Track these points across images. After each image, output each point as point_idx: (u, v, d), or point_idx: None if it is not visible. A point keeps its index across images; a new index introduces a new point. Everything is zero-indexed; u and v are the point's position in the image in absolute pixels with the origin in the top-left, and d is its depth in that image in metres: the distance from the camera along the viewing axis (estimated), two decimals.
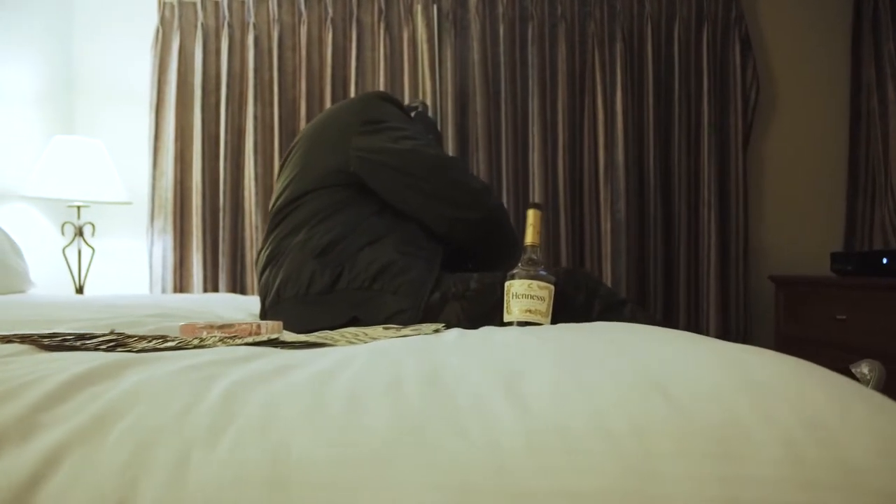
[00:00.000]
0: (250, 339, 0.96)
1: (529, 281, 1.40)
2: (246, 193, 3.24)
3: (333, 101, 3.23)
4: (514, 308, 1.41)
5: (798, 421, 0.56)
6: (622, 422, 0.55)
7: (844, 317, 2.72)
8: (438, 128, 3.24)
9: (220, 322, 1.17)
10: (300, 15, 3.27)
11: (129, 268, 3.34)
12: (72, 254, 3.08)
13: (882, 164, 3.08)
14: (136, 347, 0.91)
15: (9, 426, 0.58)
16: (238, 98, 3.29)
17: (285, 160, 1.80)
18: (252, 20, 3.26)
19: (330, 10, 3.26)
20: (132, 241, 3.34)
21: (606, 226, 3.21)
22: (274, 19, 3.26)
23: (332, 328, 1.47)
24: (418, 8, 3.24)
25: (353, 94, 3.23)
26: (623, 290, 3.16)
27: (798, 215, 3.33)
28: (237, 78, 3.28)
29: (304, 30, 3.26)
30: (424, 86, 3.24)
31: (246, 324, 1.16)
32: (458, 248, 1.75)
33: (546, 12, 3.25)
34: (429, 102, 3.22)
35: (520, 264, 1.43)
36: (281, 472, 0.54)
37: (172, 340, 0.96)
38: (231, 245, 3.23)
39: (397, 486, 0.51)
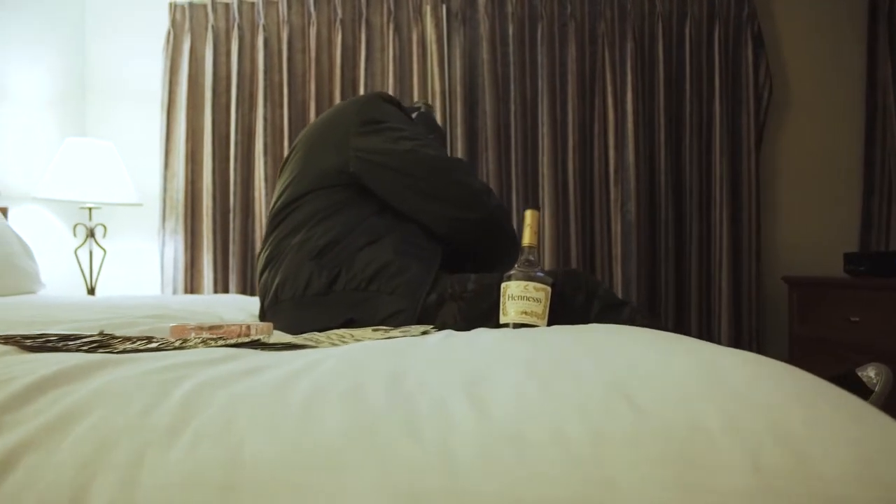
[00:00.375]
0: (233, 341, 0.95)
1: (525, 282, 1.39)
2: (256, 194, 3.25)
3: None
4: (510, 309, 1.39)
5: (765, 428, 0.54)
6: (581, 428, 0.53)
7: (858, 318, 2.67)
8: (446, 128, 3.23)
9: (210, 323, 1.17)
10: (310, 16, 3.28)
11: (140, 269, 3.36)
12: (84, 255, 3.11)
13: None
14: (118, 348, 0.91)
15: None
16: (248, 99, 3.30)
17: (286, 161, 1.80)
18: (262, 22, 3.27)
19: (339, 12, 3.26)
20: (143, 242, 3.36)
21: (617, 227, 3.19)
22: (283, 21, 3.27)
23: (329, 329, 1.47)
24: (427, 8, 3.24)
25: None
26: (634, 292, 3.14)
27: (812, 215, 3.29)
28: (247, 79, 3.30)
29: (313, 31, 3.27)
30: (433, 86, 3.23)
31: (235, 325, 1.16)
32: (459, 249, 1.74)
33: (556, 12, 3.23)
34: (438, 103, 3.22)
35: (516, 265, 1.42)
36: (233, 474, 0.53)
37: (156, 342, 0.96)
38: (241, 246, 3.24)
39: (348, 490, 0.51)
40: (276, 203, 1.73)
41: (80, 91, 3.38)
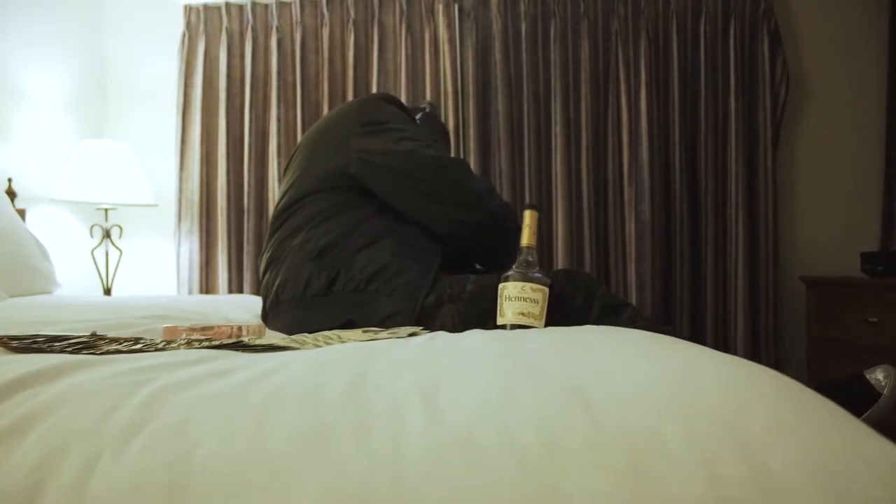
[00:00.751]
0: (216, 342, 0.95)
1: (523, 283, 1.38)
2: (270, 194, 3.27)
3: None
4: (508, 310, 1.38)
5: (726, 436, 0.53)
6: (533, 434, 0.52)
7: (876, 319, 2.62)
8: (458, 127, 3.22)
9: (202, 324, 1.17)
10: (322, 17, 3.29)
11: (156, 269, 3.40)
12: (100, 255, 3.14)
13: None
14: (101, 350, 0.91)
15: None
16: (262, 100, 3.32)
17: (289, 162, 1.81)
18: (275, 23, 3.28)
19: (352, 12, 3.27)
20: (158, 242, 3.40)
21: (631, 226, 3.15)
22: (297, 22, 3.28)
23: (328, 330, 1.47)
24: (439, 7, 3.23)
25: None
26: (648, 292, 3.10)
27: (832, 214, 3.23)
28: (261, 80, 3.32)
29: (326, 32, 3.28)
30: (446, 86, 3.23)
31: (226, 326, 1.17)
32: (461, 250, 1.73)
33: (569, 10, 3.20)
34: (450, 102, 3.22)
35: (514, 266, 1.41)
36: (182, 478, 0.53)
37: (141, 343, 0.96)
38: (255, 246, 3.26)
39: (293, 495, 0.50)
40: (278, 204, 1.74)
41: (98, 93, 3.43)
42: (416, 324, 1.47)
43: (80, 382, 0.68)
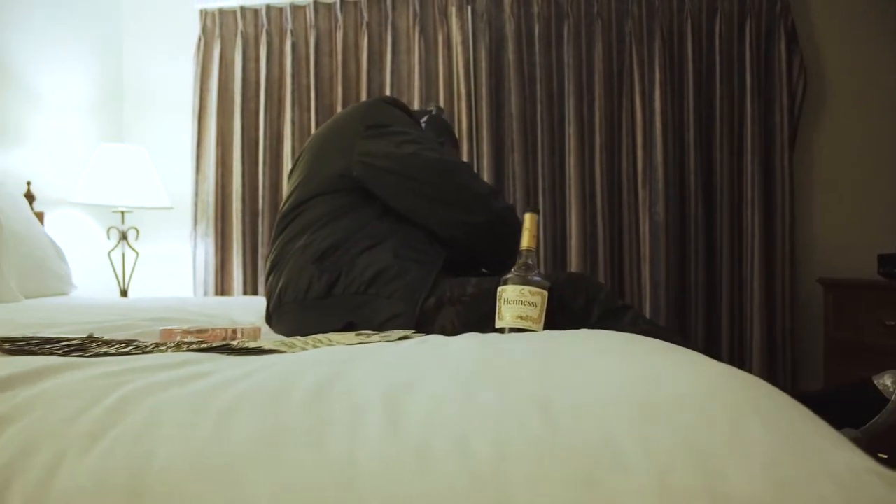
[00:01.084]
0: (205, 345, 0.96)
1: (521, 287, 1.37)
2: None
3: None
4: (506, 314, 1.38)
5: (682, 446, 0.52)
6: (487, 442, 0.52)
7: (894, 322, 2.58)
8: (471, 129, 3.22)
9: (197, 327, 1.19)
10: (336, 21, 3.30)
11: (172, 271, 3.44)
12: (117, 257, 3.19)
13: None
14: (91, 352, 0.92)
15: None
16: (277, 104, 3.35)
17: (294, 165, 1.82)
18: (290, 27, 3.31)
19: (365, 15, 3.28)
20: (174, 244, 3.44)
21: (645, 228, 3.13)
22: (311, 25, 3.30)
23: (330, 332, 1.47)
24: (452, 10, 3.24)
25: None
26: (662, 294, 3.08)
27: (850, 216, 3.18)
28: (275, 84, 3.34)
29: (339, 35, 3.29)
30: (459, 88, 3.23)
31: (220, 329, 1.18)
32: (468, 253, 1.72)
33: (582, 10, 3.19)
34: (463, 104, 3.21)
35: (513, 269, 1.40)
36: (140, 481, 0.54)
37: (132, 345, 0.98)
38: (270, 248, 3.28)
39: (247, 497, 0.51)
40: (283, 207, 1.75)
41: (115, 98, 3.48)
42: (417, 326, 1.47)
43: (57, 385, 0.69)
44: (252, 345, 0.97)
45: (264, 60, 3.31)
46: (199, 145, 3.35)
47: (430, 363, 0.71)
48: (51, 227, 2.93)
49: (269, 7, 3.33)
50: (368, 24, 3.29)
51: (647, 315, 3.08)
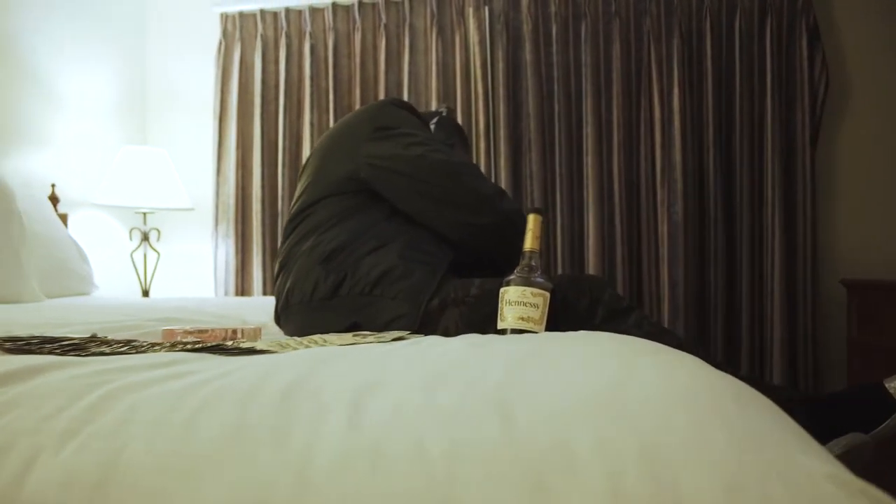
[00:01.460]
0: (199, 345, 0.98)
1: (524, 288, 1.38)
2: None
3: None
4: (508, 315, 1.38)
5: (638, 449, 0.52)
6: (441, 444, 0.53)
7: None
8: (489, 129, 3.21)
9: (199, 327, 1.20)
10: (354, 22, 3.33)
11: (193, 271, 3.49)
12: (139, 258, 3.24)
13: None
14: (88, 351, 0.95)
15: None
16: (296, 105, 3.38)
17: (304, 167, 1.84)
18: (308, 29, 3.34)
19: (383, 17, 3.30)
20: (194, 245, 3.49)
21: (663, 228, 3.10)
22: (329, 28, 3.33)
23: (336, 332, 1.48)
24: (470, 10, 3.24)
25: (406, 100, 3.26)
26: (681, 294, 3.05)
27: (874, 215, 3.11)
28: (295, 86, 3.37)
29: (358, 37, 3.32)
30: (476, 88, 3.23)
31: (220, 329, 1.19)
32: (476, 254, 1.73)
33: (600, 10, 3.17)
34: (481, 104, 3.22)
35: (516, 271, 1.40)
36: (108, 476, 0.55)
37: (128, 345, 1.00)
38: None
39: (204, 497, 0.52)
40: (292, 209, 1.77)
41: (138, 101, 3.54)
42: (421, 327, 1.47)
43: (42, 383, 0.71)
44: (245, 345, 0.98)
45: (283, 63, 3.35)
46: (220, 147, 3.39)
47: (401, 364, 0.72)
48: (75, 228, 2.99)
49: (288, 10, 3.36)
50: (386, 26, 3.30)
51: (666, 316, 3.06)
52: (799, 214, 3.06)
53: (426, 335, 1.32)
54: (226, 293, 3.35)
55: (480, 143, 3.21)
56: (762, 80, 3.08)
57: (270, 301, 2.38)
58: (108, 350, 0.95)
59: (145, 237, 3.20)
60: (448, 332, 1.44)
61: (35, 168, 2.85)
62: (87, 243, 2.92)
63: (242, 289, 3.38)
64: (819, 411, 1.41)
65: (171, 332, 1.17)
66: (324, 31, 3.37)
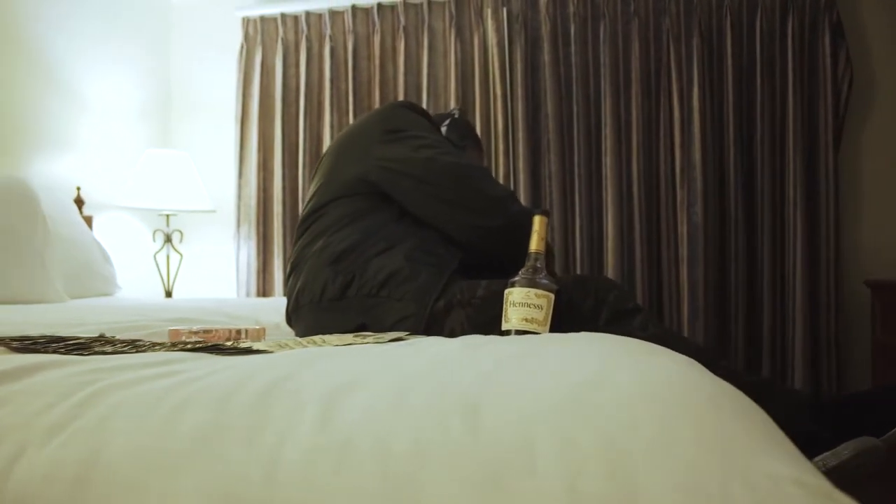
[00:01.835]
0: (199, 345, 1.00)
1: (528, 289, 1.38)
2: None
3: None
4: (512, 316, 1.39)
5: (601, 449, 0.52)
6: (407, 443, 0.54)
7: None
8: (507, 130, 3.21)
9: (204, 328, 1.23)
10: (374, 25, 3.35)
11: (215, 272, 3.54)
12: (162, 259, 3.30)
13: None
14: (92, 350, 0.97)
15: None
16: (316, 108, 3.41)
17: (316, 169, 1.86)
18: (328, 32, 3.37)
19: (402, 19, 3.32)
20: (217, 247, 3.54)
21: (683, 229, 3.08)
22: (349, 30, 3.36)
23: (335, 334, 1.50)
24: (488, 12, 3.24)
25: (425, 101, 3.28)
26: (701, 295, 3.02)
27: None
28: (315, 89, 3.41)
29: (377, 39, 3.34)
30: (495, 89, 3.24)
31: (225, 330, 1.21)
32: (485, 256, 1.73)
33: (619, 9, 3.16)
34: (499, 105, 3.22)
35: (521, 272, 1.41)
36: (88, 471, 0.57)
37: (133, 344, 1.02)
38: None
39: (177, 492, 0.53)
40: (303, 211, 1.79)
41: (162, 104, 3.60)
42: (426, 328, 1.48)
43: (37, 381, 0.73)
44: (243, 345, 1.00)
45: (304, 66, 3.38)
46: (242, 150, 3.44)
47: (380, 365, 0.73)
48: (99, 230, 3.05)
49: (308, 14, 3.40)
50: (405, 28, 3.32)
51: (686, 317, 3.04)
52: (822, 214, 3.01)
53: (432, 336, 1.33)
54: (248, 294, 3.40)
55: (499, 144, 3.22)
56: (784, 79, 3.04)
57: (281, 302, 2.42)
58: (110, 349, 0.97)
59: (168, 239, 3.26)
60: (454, 334, 1.45)
61: (60, 171, 2.91)
62: (112, 245, 2.98)
63: (264, 289, 3.42)
64: (826, 414, 1.39)
65: (176, 332, 1.20)
66: (343, 33, 3.40)
